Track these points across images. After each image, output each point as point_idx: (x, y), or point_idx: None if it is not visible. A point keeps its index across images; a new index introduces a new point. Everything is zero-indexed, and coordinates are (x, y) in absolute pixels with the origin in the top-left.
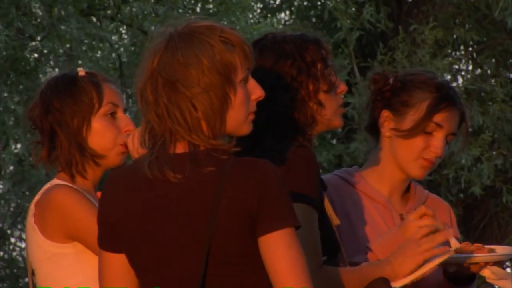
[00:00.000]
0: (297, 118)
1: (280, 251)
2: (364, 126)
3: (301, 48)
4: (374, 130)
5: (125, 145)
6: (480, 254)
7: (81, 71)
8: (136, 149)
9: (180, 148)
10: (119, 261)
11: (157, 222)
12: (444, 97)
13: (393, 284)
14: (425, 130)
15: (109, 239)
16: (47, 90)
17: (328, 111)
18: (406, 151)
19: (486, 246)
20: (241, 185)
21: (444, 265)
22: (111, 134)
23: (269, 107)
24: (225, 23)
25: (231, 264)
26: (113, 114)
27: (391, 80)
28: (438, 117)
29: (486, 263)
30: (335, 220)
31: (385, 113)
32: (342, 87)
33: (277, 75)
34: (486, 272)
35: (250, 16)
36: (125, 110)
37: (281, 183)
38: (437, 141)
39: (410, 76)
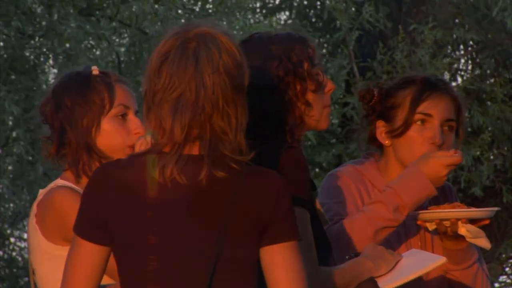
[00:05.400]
0: (285, 119)
1: (282, 262)
2: (367, 141)
3: (287, 48)
4: (376, 142)
5: (133, 148)
6: (450, 210)
7: (95, 70)
8: None
9: (195, 150)
10: (99, 253)
11: (162, 223)
12: (426, 87)
13: (385, 287)
14: (414, 121)
15: (95, 231)
16: (60, 87)
17: (316, 111)
18: (409, 148)
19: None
20: (256, 194)
21: (423, 223)
22: (120, 136)
23: (256, 108)
24: (225, 23)
25: (235, 271)
26: (123, 116)
27: (376, 92)
28: (423, 107)
29: (458, 220)
30: (325, 221)
31: (379, 123)
32: (330, 86)
33: (264, 76)
34: (462, 231)
35: (249, 16)
36: (136, 112)
37: (290, 196)
38: (431, 131)
39: (396, 80)
